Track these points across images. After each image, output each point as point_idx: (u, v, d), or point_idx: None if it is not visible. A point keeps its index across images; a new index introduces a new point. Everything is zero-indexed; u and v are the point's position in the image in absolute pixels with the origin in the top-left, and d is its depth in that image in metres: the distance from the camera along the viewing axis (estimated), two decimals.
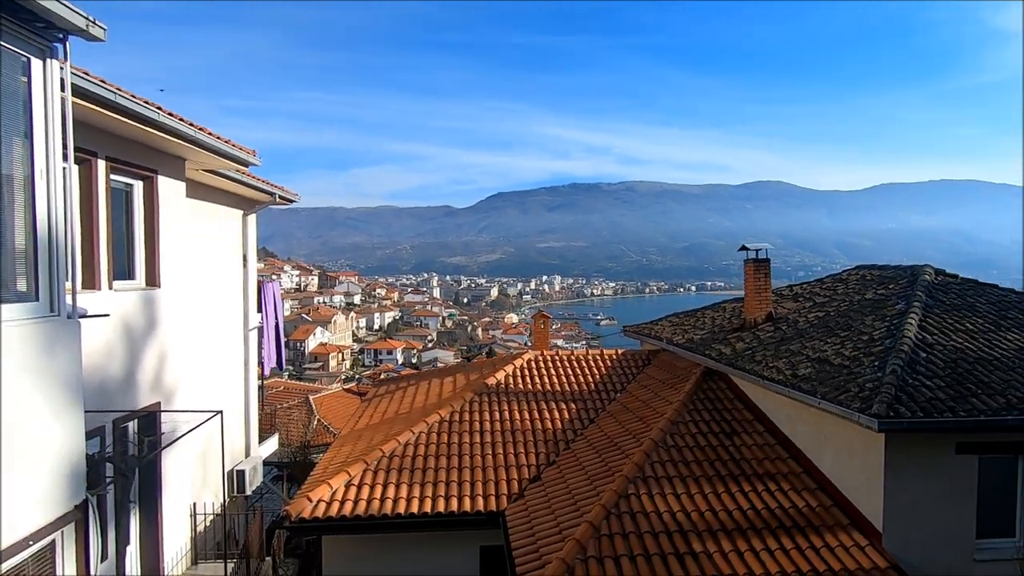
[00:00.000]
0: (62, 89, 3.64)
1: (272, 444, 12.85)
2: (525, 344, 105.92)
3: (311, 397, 30.25)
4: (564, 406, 11.14)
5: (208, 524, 9.12)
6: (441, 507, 8.40)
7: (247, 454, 11.31)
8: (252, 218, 11.35)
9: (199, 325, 8.85)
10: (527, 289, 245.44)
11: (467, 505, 8.50)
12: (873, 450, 6.83)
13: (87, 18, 3.29)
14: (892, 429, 6.36)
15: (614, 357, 13.14)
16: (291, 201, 12.00)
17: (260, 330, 11.95)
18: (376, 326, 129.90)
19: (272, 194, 10.99)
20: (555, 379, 12.16)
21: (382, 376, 38.74)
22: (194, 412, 6.54)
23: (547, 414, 10.84)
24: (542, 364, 12.73)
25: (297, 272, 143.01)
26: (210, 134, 6.83)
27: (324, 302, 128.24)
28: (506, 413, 10.79)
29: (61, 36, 3.47)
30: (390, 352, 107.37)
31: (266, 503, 14.67)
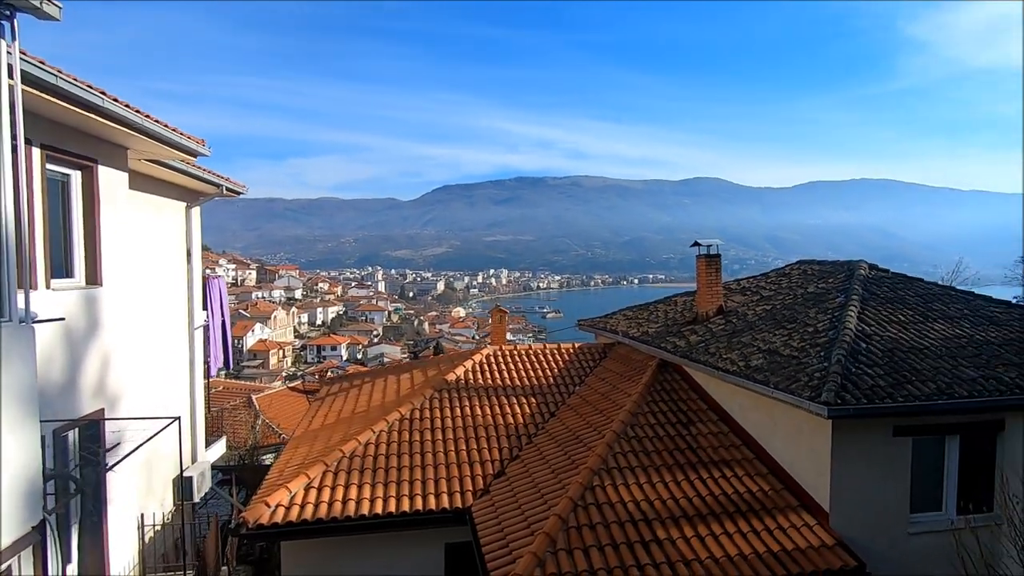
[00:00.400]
0: (9, 75, 3.29)
1: (219, 448, 12.28)
2: (473, 337, 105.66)
3: (254, 397, 29.08)
4: (524, 400, 11.21)
5: (154, 535, 8.63)
6: (406, 506, 8.28)
7: (194, 459, 10.75)
8: (196, 211, 10.74)
9: (142, 325, 8.31)
10: (474, 283, 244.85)
11: (432, 503, 8.42)
12: (820, 435, 7.27)
13: None
14: (839, 415, 6.78)
15: (571, 351, 13.32)
16: (238, 193, 11.43)
17: (206, 329, 11.36)
18: (319, 321, 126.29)
19: (219, 186, 10.44)
20: (514, 374, 12.22)
21: (329, 373, 37.68)
22: (149, 419, 6.14)
23: (508, 409, 10.88)
24: (501, 359, 12.75)
25: (233, 266, 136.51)
26: (156, 121, 6.39)
27: (263, 297, 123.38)
28: (467, 409, 10.75)
29: (8, 13, 3.12)
30: (334, 348, 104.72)
31: (212, 509, 14.02)
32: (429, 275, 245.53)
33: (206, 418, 11.68)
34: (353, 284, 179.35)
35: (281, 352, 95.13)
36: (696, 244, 11.63)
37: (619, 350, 13.00)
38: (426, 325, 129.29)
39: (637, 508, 7.41)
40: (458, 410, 10.70)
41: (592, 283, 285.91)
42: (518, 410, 10.90)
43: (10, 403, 3.01)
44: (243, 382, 41.85)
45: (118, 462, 5.53)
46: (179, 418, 5.80)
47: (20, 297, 3.44)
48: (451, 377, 11.65)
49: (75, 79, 4.90)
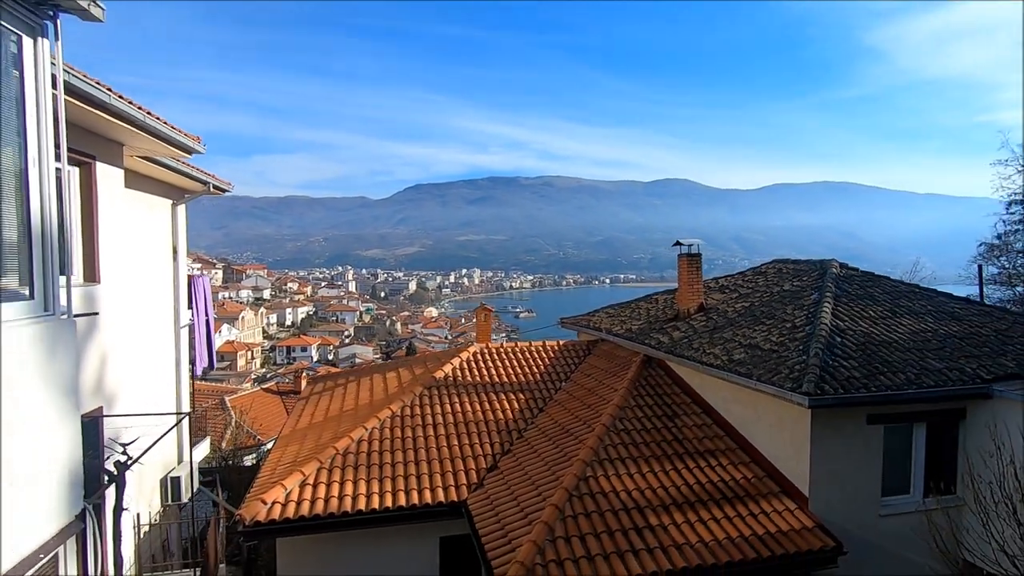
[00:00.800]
0: (53, 84, 3.31)
1: (204, 448, 12.15)
2: (446, 337, 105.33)
3: (227, 399, 28.58)
4: (513, 397, 11.43)
5: (143, 536, 8.55)
6: (402, 501, 8.41)
7: (180, 460, 10.63)
8: (182, 208, 10.63)
9: (134, 323, 8.23)
10: (446, 282, 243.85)
11: (427, 497, 8.56)
12: (800, 424, 7.68)
13: None
14: (819, 405, 7.20)
15: (556, 348, 13.60)
16: (224, 191, 11.34)
17: (191, 328, 11.24)
18: (288, 322, 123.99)
19: (206, 183, 10.35)
20: (501, 371, 12.42)
21: (304, 374, 37.20)
22: (161, 415, 6.12)
23: (497, 405, 11.08)
24: (488, 357, 12.94)
25: (198, 265, 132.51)
26: (157, 118, 6.38)
27: (230, 297, 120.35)
28: (457, 406, 10.91)
29: (51, 13, 3.16)
30: (304, 349, 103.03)
31: (197, 510, 13.83)
32: (401, 275, 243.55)
33: (190, 419, 11.55)
34: (323, 284, 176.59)
35: (250, 353, 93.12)
36: (678, 244, 12.03)
37: (603, 347, 13.32)
38: (398, 325, 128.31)
39: (629, 497, 7.70)
40: (448, 407, 10.86)
41: (564, 283, 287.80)
42: (507, 406, 11.11)
43: (57, 394, 3.06)
44: (213, 384, 40.93)
45: (142, 454, 5.52)
46: (190, 413, 5.82)
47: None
48: (439, 375, 11.79)
49: (85, 75, 4.89)
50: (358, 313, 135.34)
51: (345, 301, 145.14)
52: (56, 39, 3.27)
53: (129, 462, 5.07)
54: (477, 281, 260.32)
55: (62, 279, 3.67)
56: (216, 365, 13.11)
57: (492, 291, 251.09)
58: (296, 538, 8.32)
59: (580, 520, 7.21)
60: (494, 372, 12.35)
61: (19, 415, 2.82)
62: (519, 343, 13.74)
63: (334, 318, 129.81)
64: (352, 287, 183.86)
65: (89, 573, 3.56)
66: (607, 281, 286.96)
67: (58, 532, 3.09)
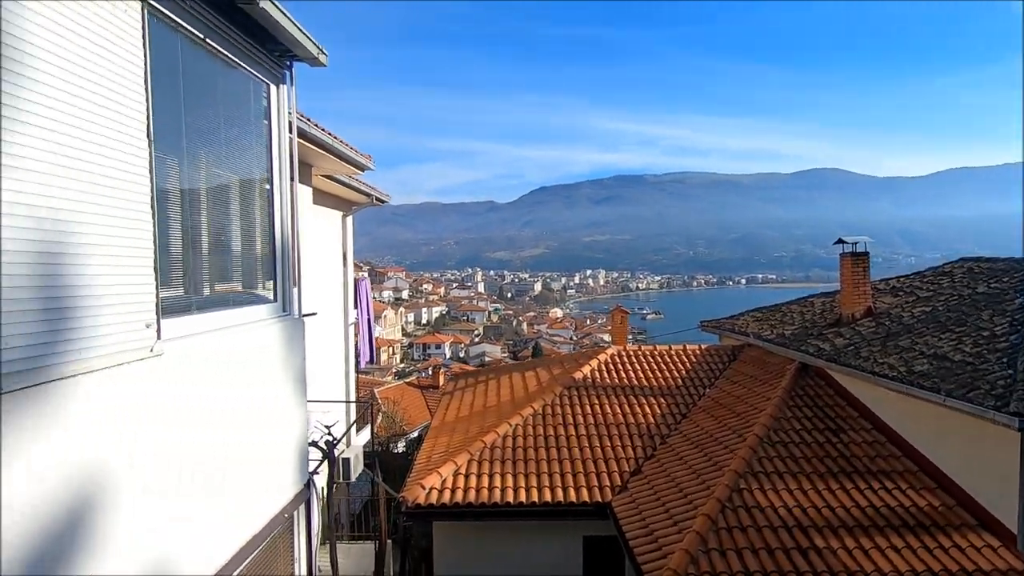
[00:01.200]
0: (289, 128, 4.00)
1: (366, 434, 13.45)
2: (571, 338, 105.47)
3: (376, 390, 31.31)
4: (654, 400, 11.23)
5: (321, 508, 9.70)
6: (547, 497, 8.68)
7: (348, 443, 11.91)
8: (350, 219, 11.90)
9: (319, 322, 9.41)
10: (571, 283, 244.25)
11: (571, 495, 8.74)
12: (1005, 449, 6.65)
13: (318, 46, 3.64)
14: None
15: (698, 352, 13.11)
16: (383, 202, 12.49)
17: (355, 325, 12.53)
18: (424, 320, 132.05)
19: (370, 196, 11.49)
20: (640, 374, 12.26)
21: (442, 370, 39.54)
22: (353, 402, 6.99)
23: (638, 408, 10.96)
24: (626, 359, 12.84)
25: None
26: (341, 141, 7.26)
27: (374, 297, 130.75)
28: (597, 407, 10.98)
29: (288, 63, 3.84)
30: (438, 346, 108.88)
31: (355, 489, 15.30)
32: (527, 276, 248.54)
33: (356, 406, 12.86)
34: (455, 285, 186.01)
35: (391, 349, 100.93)
36: (840, 241, 11.00)
37: (750, 352, 12.59)
38: (524, 325, 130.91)
39: (789, 514, 7.22)
40: (588, 407, 10.97)
41: (695, 283, 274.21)
42: (648, 410, 10.95)
43: (295, 382, 3.72)
44: (362, 376, 45.13)
45: (343, 436, 6.38)
46: (373, 399, 6.56)
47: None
48: (578, 375, 11.94)
49: (302, 115, 5.73)
50: (487, 313, 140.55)
51: (475, 301, 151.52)
52: (291, 83, 3.95)
53: (335, 441, 5.89)
54: (602, 282, 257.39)
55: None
56: (374, 359, 14.46)
57: (617, 292, 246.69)
58: (450, 523, 8.96)
59: (735, 534, 6.92)
60: (633, 375, 12.23)
61: (275, 400, 3.44)
62: (657, 346, 13.45)
63: (465, 317, 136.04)
64: (481, 288, 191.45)
65: (312, 531, 4.23)
66: (742, 281, 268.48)
67: (294, 497, 3.73)
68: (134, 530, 2.54)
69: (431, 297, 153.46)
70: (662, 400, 11.24)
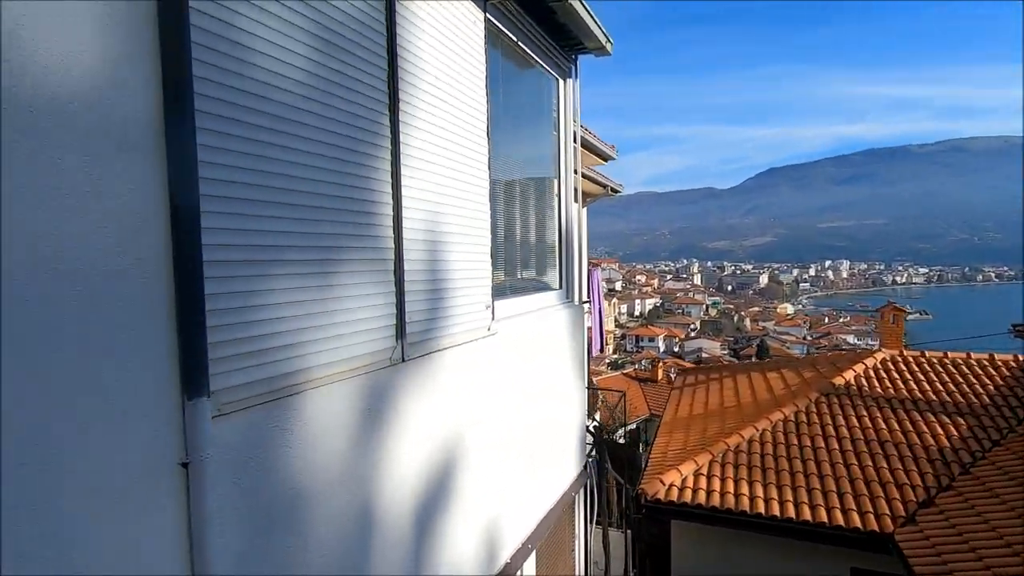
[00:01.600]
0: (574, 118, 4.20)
1: (594, 421, 13.74)
2: (804, 338, 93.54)
3: (595, 379, 31.85)
4: (947, 419, 9.22)
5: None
6: (807, 515, 7.71)
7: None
8: (585, 210, 12.13)
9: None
10: (804, 276, 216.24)
11: (839, 518, 7.63)
12: None
13: (606, 35, 3.71)
14: None
15: (1012, 365, 10.38)
16: (617, 192, 12.45)
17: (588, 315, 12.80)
18: (636, 312, 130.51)
19: (605, 187, 11.54)
20: (923, 385, 10.18)
21: (659, 363, 38.59)
22: (608, 391, 7.18)
23: (923, 427, 9.11)
24: (902, 366, 10.82)
25: None
26: (593, 135, 7.35)
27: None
28: (865, 420, 9.42)
29: (574, 57, 4.00)
30: (651, 339, 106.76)
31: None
32: (749, 267, 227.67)
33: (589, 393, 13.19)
34: (669, 276, 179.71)
35: (606, 340, 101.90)
36: None
37: None
38: (747, 321, 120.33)
39: None
40: (853, 419, 9.47)
41: (979, 277, 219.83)
42: (938, 430, 9.02)
43: (577, 365, 3.92)
44: None
45: (615, 426, 6.66)
46: (624, 393, 6.59)
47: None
48: (839, 381, 10.42)
49: None
50: (704, 306, 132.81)
51: (690, 294, 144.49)
52: (576, 79, 4.08)
53: (602, 428, 6.09)
54: (845, 275, 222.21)
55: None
56: (604, 349, 14.61)
57: (865, 287, 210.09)
58: (688, 524, 8.58)
59: None
60: (913, 385, 10.22)
61: (564, 383, 3.62)
62: (949, 353, 11.02)
63: (679, 311, 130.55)
64: (697, 279, 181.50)
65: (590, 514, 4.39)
66: None
67: (577, 477, 3.91)
68: (476, 490, 2.87)
69: (644, 289, 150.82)
70: (960, 420, 9.16)
